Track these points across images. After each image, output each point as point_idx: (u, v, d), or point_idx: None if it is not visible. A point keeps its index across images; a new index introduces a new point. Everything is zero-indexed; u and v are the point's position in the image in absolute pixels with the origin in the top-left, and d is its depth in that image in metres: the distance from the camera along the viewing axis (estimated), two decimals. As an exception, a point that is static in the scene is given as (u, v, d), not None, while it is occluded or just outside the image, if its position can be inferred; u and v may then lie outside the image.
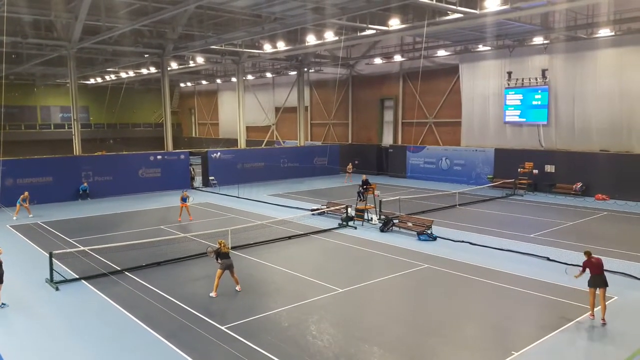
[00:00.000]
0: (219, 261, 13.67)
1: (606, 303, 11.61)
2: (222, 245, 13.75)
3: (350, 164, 39.60)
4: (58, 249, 16.60)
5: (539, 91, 31.82)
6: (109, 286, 14.41)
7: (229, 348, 10.45)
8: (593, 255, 11.83)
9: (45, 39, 30.87)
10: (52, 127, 61.48)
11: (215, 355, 10.29)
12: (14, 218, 24.01)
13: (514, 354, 10.13)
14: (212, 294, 13.60)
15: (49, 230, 21.86)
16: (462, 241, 19.23)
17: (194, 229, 21.28)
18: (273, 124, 54.61)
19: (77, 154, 32.87)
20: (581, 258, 16.06)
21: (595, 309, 11.75)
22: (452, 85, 37.67)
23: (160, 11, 24.62)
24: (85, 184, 30.28)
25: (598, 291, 11.55)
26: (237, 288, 13.95)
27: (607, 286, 11.59)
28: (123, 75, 51.54)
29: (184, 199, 23.76)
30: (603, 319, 11.48)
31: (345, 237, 20.40)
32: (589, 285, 11.71)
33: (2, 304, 12.84)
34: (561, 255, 16.92)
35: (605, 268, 11.81)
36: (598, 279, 11.60)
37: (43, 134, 59.61)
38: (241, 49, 35.44)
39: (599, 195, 28.53)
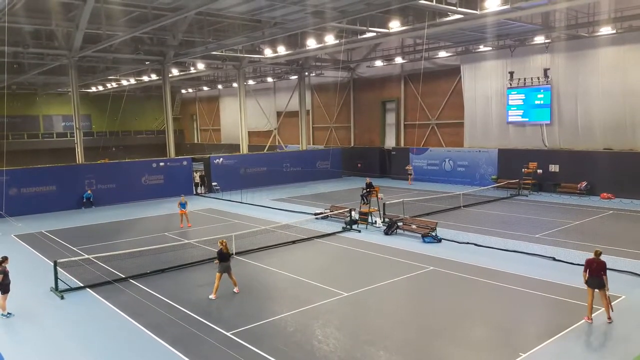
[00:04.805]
0: (218, 262, 13.82)
1: (612, 302, 11.50)
2: (224, 245, 13.85)
3: (409, 164, 38.90)
4: (62, 257, 16.57)
5: (542, 90, 31.73)
6: (114, 294, 14.39)
7: (235, 354, 10.39)
8: (597, 257, 11.57)
9: (47, 48, 30.99)
10: (55, 136, 61.63)
11: (221, 361, 10.24)
12: None
13: (521, 355, 10.04)
14: (212, 296, 13.70)
15: (53, 239, 21.86)
16: (467, 242, 19.14)
17: (198, 235, 21.22)
18: (275, 129, 54.65)
19: (80, 162, 32.94)
20: (586, 258, 16.11)
21: (600, 310, 11.64)
22: (454, 86, 37.62)
23: (160, 18, 24.66)
24: (90, 192, 30.31)
25: (597, 291, 11.46)
26: (235, 290, 14.02)
27: (602, 288, 11.40)
28: (124, 82, 51.66)
29: (182, 205, 23.61)
30: (609, 318, 11.39)
31: (350, 240, 20.33)
32: (587, 284, 11.62)
33: (8, 313, 12.83)
34: (567, 255, 16.81)
35: (611, 267, 11.64)
36: (592, 280, 11.52)
37: (46, 143, 59.78)
38: (242, 55, 35.53)
39: (604, 194, 28.39)
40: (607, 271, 11.57)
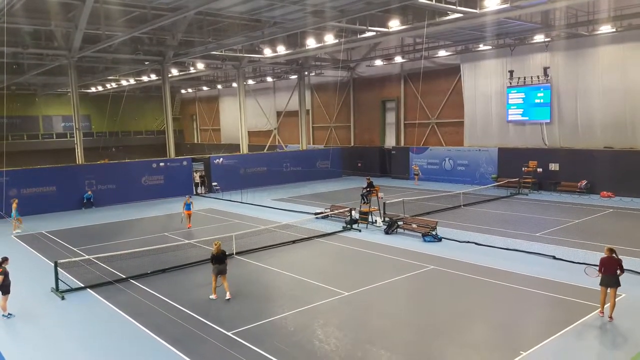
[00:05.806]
0: (213, 264, 13.72)
1: (615, 301, 11.53)
2: (217, 247, 13.72)
3: (415, 164, 38.62)
4: (63, 258, 16.58)
5: (541, 89, 31.72)
6: (114, 294, 14.39)
7: (236, 354, 10.39)
8: (611, 255, 11.53)
9: (46, 48, 30.95)
10: (55, 137, 61.60)
11: (221, 361, 10.23)
12: (15, 232, 23.41)
13: (522, 353, 10.04)
14: (212, 296, 13.68)
15: (54, 240, 21.86)
16: (468, 241, 19.14)
17: (198, 236, 21.23)
18: (275, 128, 54.64)
19: (80, 162, 32.92)
20: (586, 256, 16.12)
21: (605, 306, 11.67)
22: (454, 86, 37.61)
23: (159, 18, 24.65)
24: (90, 192, 30.32)
25: (609, 290, 11.47)
26: (227, 296, 13.65)
27: (619, 286, 11.46)
28: (124, 83, 51.65)
29: (187, 206, 23.56)
30: (610, 317, 11.46)
31: (350, 240, 20.33)
32: (600, 284, 11.62)
33: (9, 314, 12.83)
34: (567, 254, 16.81)
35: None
36: (607, 279, 11.50)
37: (45, 144, 59.75)
38: (241, 54, 35.50)
39: (604, 192, 28.39)
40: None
